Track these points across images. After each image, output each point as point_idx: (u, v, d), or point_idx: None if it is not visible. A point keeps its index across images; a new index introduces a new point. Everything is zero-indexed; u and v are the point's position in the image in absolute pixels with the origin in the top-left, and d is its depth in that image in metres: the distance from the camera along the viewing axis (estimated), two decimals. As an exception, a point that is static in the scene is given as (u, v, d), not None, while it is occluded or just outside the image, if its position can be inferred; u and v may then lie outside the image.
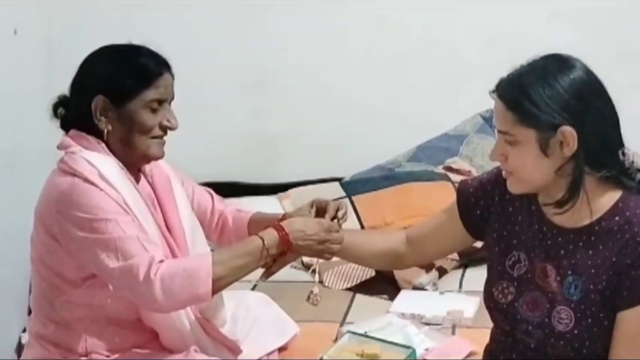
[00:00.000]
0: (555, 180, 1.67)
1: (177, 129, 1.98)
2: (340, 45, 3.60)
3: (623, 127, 1.69)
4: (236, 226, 2.24)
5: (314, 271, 2.99)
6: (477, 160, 3.46)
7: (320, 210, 2.11)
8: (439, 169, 3.43)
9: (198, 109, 3.46)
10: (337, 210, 2.10)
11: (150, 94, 1.92)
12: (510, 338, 1.79)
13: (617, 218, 1.66)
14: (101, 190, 1.85)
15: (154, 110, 1.93)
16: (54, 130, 2.02)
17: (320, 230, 1.99)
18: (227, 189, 3.38)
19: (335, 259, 2.88)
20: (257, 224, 2.19)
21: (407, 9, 3.54)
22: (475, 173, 3.29)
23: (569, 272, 1.69)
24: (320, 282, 2.95)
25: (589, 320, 1.66)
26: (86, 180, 1.86)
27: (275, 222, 2.02)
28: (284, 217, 2.14)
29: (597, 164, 1.65)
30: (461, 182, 1.94)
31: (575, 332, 1.67)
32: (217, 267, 1.84)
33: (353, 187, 3.35)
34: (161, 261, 1.82)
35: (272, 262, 1.97)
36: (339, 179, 3.46)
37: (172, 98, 1.98)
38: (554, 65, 1.65)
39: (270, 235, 1.92)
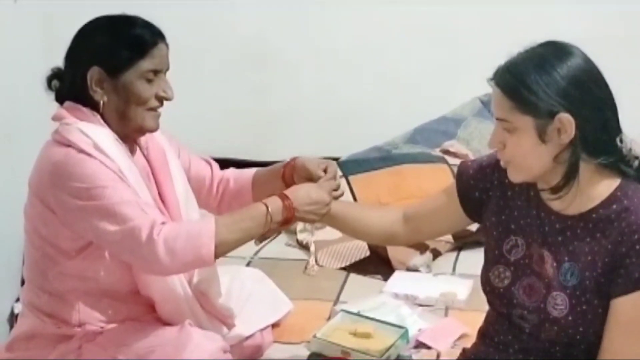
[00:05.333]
0: (553, 167, 1.67)
1: (173, 99, 1.96)
2: (341, 25, 3.59)
3: (623, 114, 1.69)
4: (238, 185, 2.22)
5: (307, 248, 3.00)
6: (474, 143, 3.46)
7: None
8: (436, 152, 3.43)
9: (197, 85, 3.47)
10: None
11: (146, 64, 1.91)
12: (506, 320, 1.80)
13: (614, 206, 1.66)
14: (96, 159, 1.84)
15: (149, 81, 1.92)
16: (51, 100, 2.01)
17: (325, 193, 1.97)
18: (224, 165, 3.37)
19: (329, 238, 2.90)
20: (262, 173, 2.20)
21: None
22: (472, 156, 3.29)
23: (566, 259, 1.70)
24: (315, 261, 2.95)
25: (584, 306, 1.67)
26: (81, 150, 1.85)
27: (280, 170, 2.09)
28: (293, 160, 2.13)
29: (594, 151, 1.65)
30: (461, 164, 1.94)
31: (570, 318, 1.68)
32: (220, 229, 1.83)
33: (350, 166, 3.35)
34: (163, 223, 1.82)
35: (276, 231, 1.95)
36: (335, 159, 3.45)
37: (167, 68, 1.97)
38: (552, 52, 1.65)
39: (275, 203, 1.90)
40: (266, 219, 1.87)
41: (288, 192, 1.94)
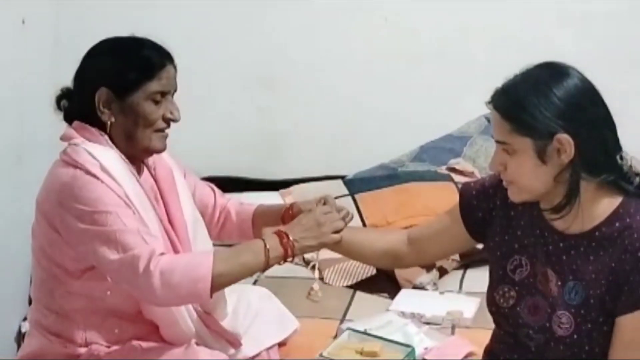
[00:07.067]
0: (554, 187, 1.68)
1: (180, 120, 1.98)
2: (346, 43, 3.60)
3: (622, 131, 1.69)
4: (240, 219, 2.23)
5: (313, 267, 3.00)
6: (480, 161, 3.46)
7: None
8: (442, 170, 3.44)
9: (203, 104, 3.47)
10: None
11: (153, 85, 1.92)
12: (512, 339, 1.80)
13: (617, 224, 1.67)
14: (102, 182, 1.85)
15: (157, 102, 1.94)
16: (60, 121, 2.03)
17: (319, 215, 1.96)
18: (229, 184, 3.39)
19: (336, 256, 2.91)
20: (263, 214, 2.20)
21: (415, 10, 3.54)
22: (478, 174, 3.30)
23: (570, 277, 1.70)
24: (321, 279, 2.95)
25: (589, 325, 1.68)
26: (88, 172, 1.86)
27: (280, 215, 2.08)
28: (291, 207, 2.14)
29: (595, 169, 1.66)
30: (463, 185, 1.95)
31: (575, 336, 1.68)
32: (218, 263, 1.83)
33: (356, 185, 3.36)
34: (162, 254, 1.82)
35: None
36: (342, 177, 3.47)
37: (175, 90, 1.99)
38: (548, 73, 1.67)
39: (273, 239, 1.90)
40: (264, 253, 1.87)
41: (286, 228, 1.94)
